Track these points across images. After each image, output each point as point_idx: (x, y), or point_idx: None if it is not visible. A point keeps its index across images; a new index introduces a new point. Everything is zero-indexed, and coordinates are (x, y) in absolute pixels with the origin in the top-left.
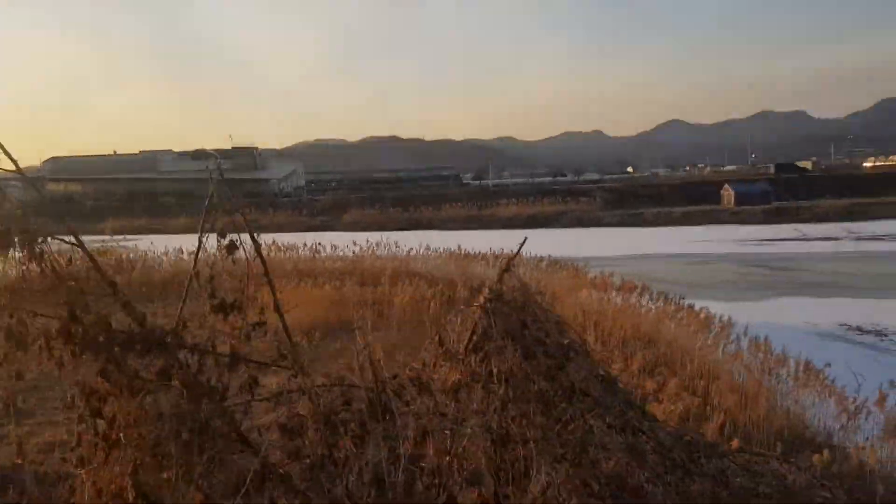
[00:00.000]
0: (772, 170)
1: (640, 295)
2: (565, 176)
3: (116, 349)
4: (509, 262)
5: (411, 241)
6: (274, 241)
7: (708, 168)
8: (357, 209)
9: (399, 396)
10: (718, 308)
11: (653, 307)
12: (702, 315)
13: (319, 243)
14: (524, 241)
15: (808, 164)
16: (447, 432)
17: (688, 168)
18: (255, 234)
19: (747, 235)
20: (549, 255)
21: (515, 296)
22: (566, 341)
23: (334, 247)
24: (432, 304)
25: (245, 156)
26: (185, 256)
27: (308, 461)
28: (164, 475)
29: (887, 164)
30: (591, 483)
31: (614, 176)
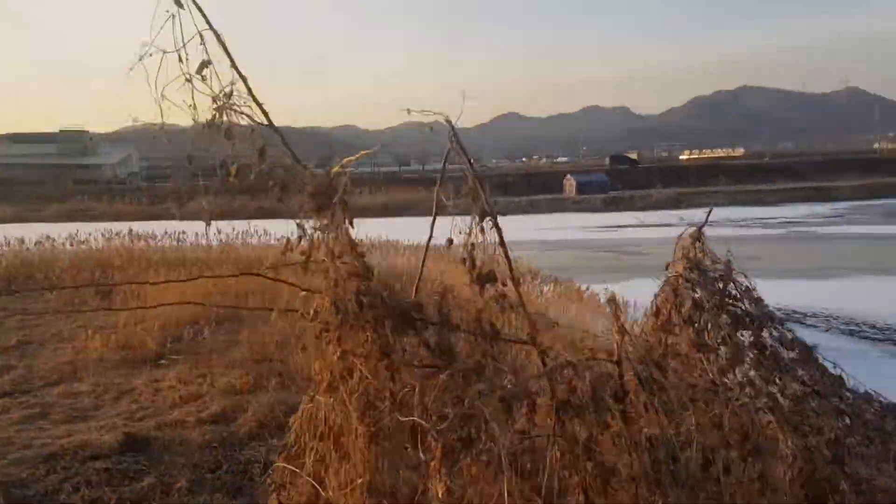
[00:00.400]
0: (607, 161)
1: (533, 279)
2: (409, 165)
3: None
4: (700, 232)
5: (282, 230)
6: (130, 230)
7: (543, 159)
8: (204, 198)
9: (661, 369)
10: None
11: (548, 290)
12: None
13: (183, 232)
14: (710, 211)
15: (635, 156)
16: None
17: (525, 159)
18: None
19: (592, 223)
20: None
21: (716, 266)
22: (764, 311)
23: (197, 235)
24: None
25: (74, 140)
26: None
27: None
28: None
29: (701, 156)
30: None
31: (456, 166)
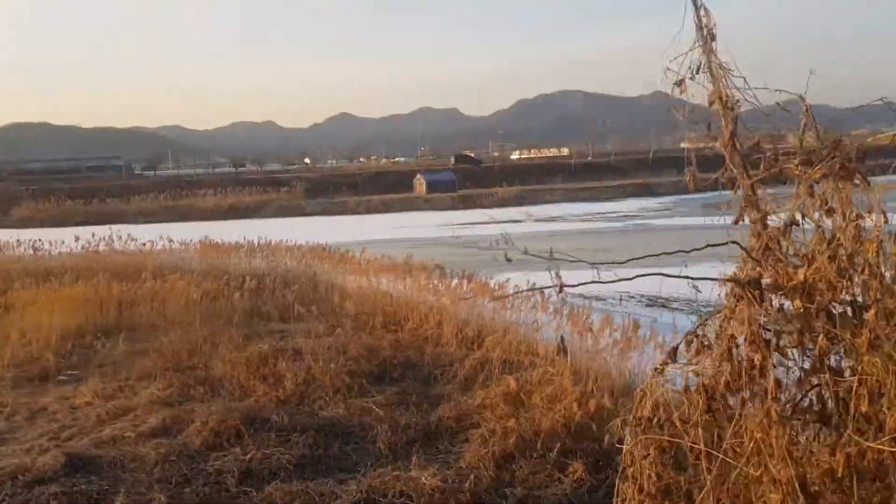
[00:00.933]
0: (452, 161)
1: (430, 276)
2: (244, 166)
3: None
4: None
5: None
6: None
7: (383, 159)
8: (30, 203)
9: None
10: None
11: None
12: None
13: (39, 239)
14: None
15: (473, 156)
16: None
17: (363, 159)
18: None
19: (447, 220)
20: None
21: None
22: None
23: (52, 243)
24: (203, 299)
25: None
26: None
27: None
28: None
29: (532, 156)
30: None
31: (296, 166)
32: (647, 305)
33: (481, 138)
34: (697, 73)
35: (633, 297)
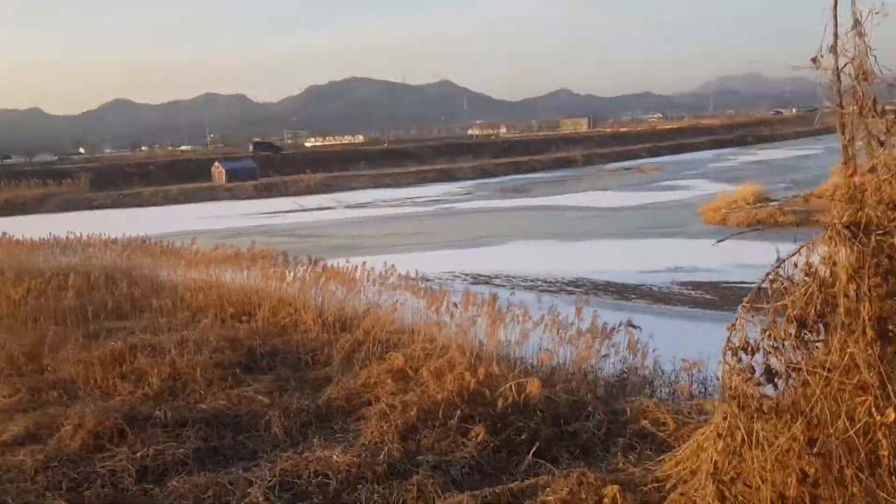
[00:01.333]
0: (250, 148)
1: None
2: (10, 158)
3: None
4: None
5: None
6: None
7: (170, 147)
8: None
9: None
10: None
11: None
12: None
13: None
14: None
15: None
16: None
17: (145, 148)
18: None
19: (255, 209)
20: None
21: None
22: None
23: None
24: (25, 299)
25: None
26: None
27: None
28: None
29: (326, 143)
30: None
31: (74, 157)
32: (479, 283)
33: (271, 125)
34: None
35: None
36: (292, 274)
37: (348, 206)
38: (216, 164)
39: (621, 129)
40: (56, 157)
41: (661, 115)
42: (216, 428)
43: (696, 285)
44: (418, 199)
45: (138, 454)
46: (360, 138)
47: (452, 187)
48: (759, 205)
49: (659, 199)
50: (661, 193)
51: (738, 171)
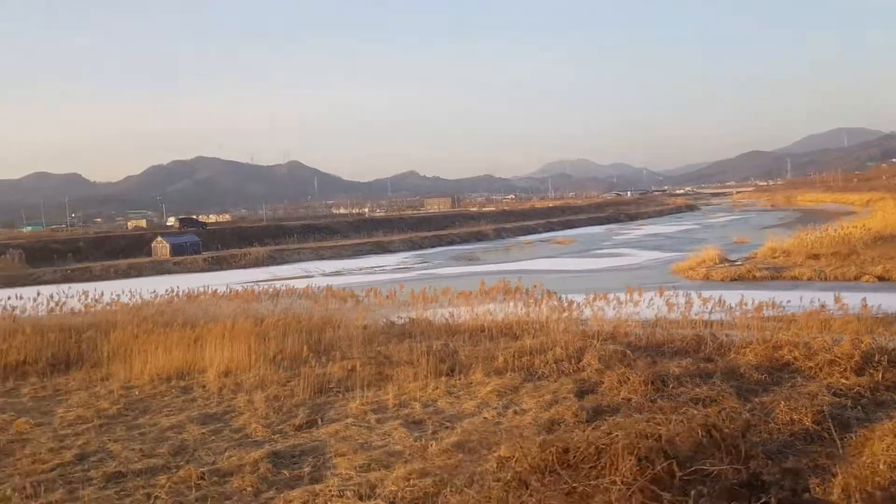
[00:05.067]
0: (177, 224)
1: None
2: None
3: None
4: None
5: None
6: None
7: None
8: None
9: None
10: None
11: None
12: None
13: None
14: None
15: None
16: None
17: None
18: None
19: (230, 279)
20: None
21: None
22: None
23: None
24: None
25: None
26: None
27: None
28: None
29: (221, 220)
30: None
31: None
32: None
33: (111, 205)
34: None
35: None
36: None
37: (324, 275)
38: (158, 238)
39: (485, 209)
40: None
41: (513, 196)
42: None
43: None
44: (386, 268)
45: None
46: (226, 217)
47: (398, 257)
48: (738, 262)
49: (618, 264)
50: (610, 259)
51: (649, 241)
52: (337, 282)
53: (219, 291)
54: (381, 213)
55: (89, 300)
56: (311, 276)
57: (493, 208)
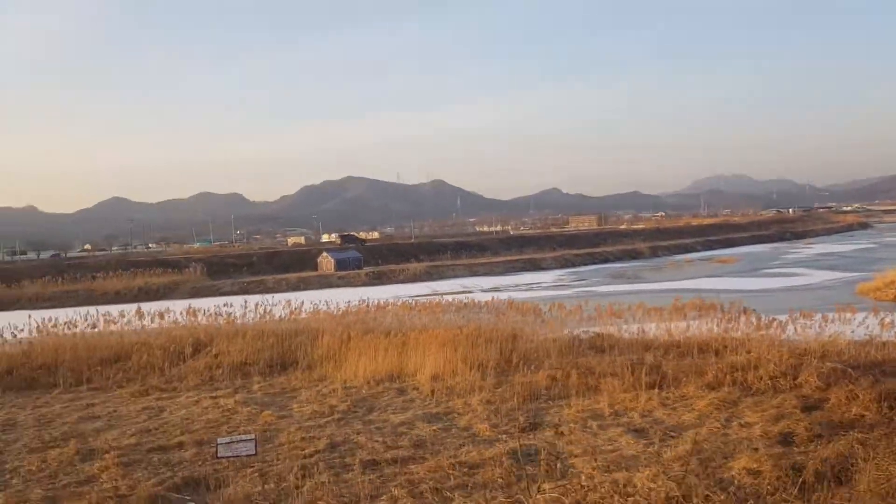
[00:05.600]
0: (338, 241)
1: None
2: (25, 253)
3: None
4: None
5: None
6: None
7: (196, 243)
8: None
9: None
10: None
11: None
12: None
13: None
14: None
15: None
16: None
17: (154, 245)
18: None
19: (393, 293)
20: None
21: None
22: None
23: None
24: None
25: None
26: None
27: None
28: None
29: (372, 236)
30: None
31: (84, 253)
32: None
33: (268, 222)
34: None
35: None
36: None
37: (483, 291)
38: (324, 254)
39: (635, 226)
40: (54, 253)
41: (663, 214)
42: None
43: None
44: (542, 284)
45: None
46: (375, 234)
47: (552, 275)
48: None
49: (794, 284)
50: (784, 279)
51: (823, 260)
52: (499, 298)
53: (407, 303)
54: (526, 231)
55: (292, 308)
56: (471, 292)
57: (644, 226)
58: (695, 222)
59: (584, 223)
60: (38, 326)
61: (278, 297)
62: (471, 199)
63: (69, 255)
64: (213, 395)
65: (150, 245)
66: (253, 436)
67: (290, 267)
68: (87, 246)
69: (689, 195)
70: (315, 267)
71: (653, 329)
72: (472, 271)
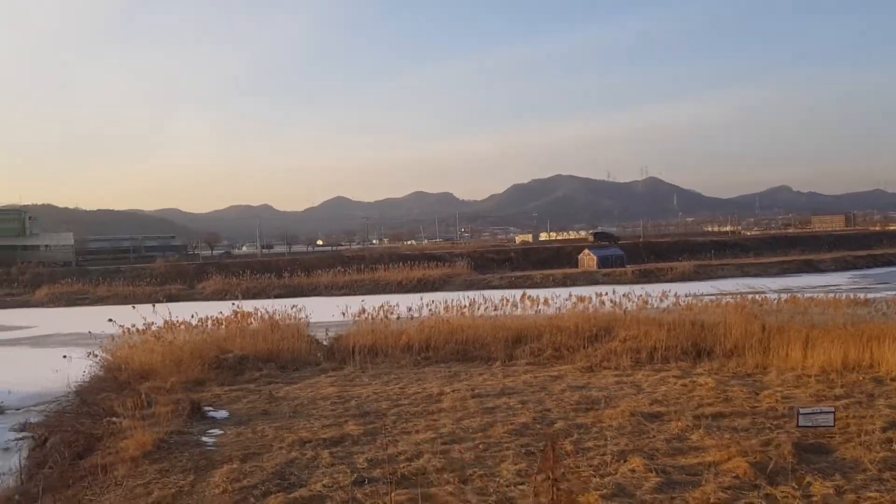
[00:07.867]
0: (591, 238)
1: None
2: (272, 248)
3: None
4: None
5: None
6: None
7: (411, 241)
8: (217, 277)
9: None
10: None
11: None
12: None
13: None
14: None
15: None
16: None
17: (412, 241)
18: None
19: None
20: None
21: None
22: None
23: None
24: None
25: (11, 220)
26: None
27: None
28: None
29: (560, 238)
30: None
31: (304, 249)
32: None
33: (477, 221)
34: None
35: None
36: None
37: (774, 292)
38: (585, 251)
39: (888, 228)
40: (307, 248)
41: None
42: None
43: None
44: (841, 287)
45: None
46: (584, 234)
47: (839, 277)
48: None
49: None
50: None
51: None
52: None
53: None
54: (758, 231)
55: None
56: (764, 293)
57: None
58: None
59: (828, 224)
60: (445, 307)
61: (544, 291)
62: (688, 196)
63: (292, 249)
64: (667, 373)
65: (384, 240)
66: (832, 408)
67: (547, 263)
68: (319, 241)
69: None
70: (573, 264)
71: None
72: (744, 272)
